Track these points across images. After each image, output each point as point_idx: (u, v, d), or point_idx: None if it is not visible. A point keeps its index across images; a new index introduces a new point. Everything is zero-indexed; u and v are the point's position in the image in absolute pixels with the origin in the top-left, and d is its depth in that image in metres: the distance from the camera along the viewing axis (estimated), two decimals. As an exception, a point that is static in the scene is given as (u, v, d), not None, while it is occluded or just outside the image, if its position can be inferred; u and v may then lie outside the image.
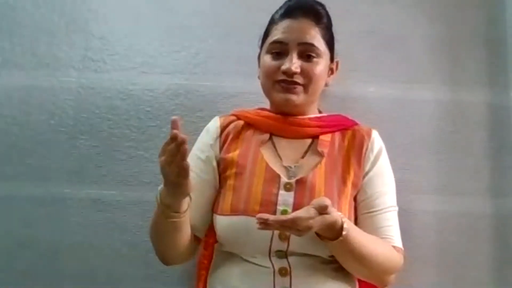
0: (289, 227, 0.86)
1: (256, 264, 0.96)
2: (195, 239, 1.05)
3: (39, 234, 1.30)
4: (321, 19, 1.06)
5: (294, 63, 1.01)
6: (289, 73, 1.01)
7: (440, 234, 1.33)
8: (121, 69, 1.36)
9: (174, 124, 0.85)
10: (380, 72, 1.39)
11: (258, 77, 1.11)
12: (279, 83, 1.03)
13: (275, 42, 1.04)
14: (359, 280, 1.05)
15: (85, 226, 1.30)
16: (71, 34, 1.37)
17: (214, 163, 1.05)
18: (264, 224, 0.84)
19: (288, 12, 1.05)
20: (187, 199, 0.94)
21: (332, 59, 1.10)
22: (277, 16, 1.07)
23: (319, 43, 1.04)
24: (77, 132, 1.33)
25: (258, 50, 1.13)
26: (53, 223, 1.30)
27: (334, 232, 0.90)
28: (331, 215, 0.89)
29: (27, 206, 1.30)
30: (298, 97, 1.03)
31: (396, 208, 1.06)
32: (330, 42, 1.08)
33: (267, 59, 1.05)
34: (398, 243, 1.03)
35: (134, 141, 1.34)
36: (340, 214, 0.91)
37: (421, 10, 1.41)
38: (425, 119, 1.37)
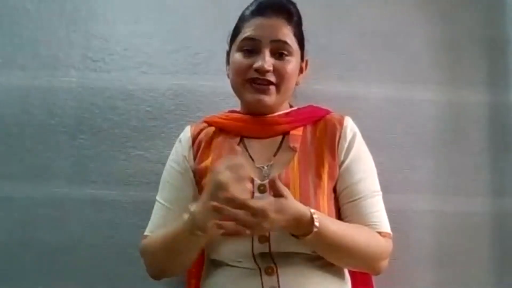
0: (243, 218, 0.83)
1: (243, 267, 0.95)
2: None
3: (39, 234, 1.30)
4: (293, 17, 1.05)
5: (267, 61, 0.99)
6: (262, 71, 0.99)
7: (439, 234, 1.33)
8: (121, 69, 1.36)
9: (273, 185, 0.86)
10: (380, 72, 1.39)
11: (228, 76, 1.09)
12: (250, 82, 1.01)
13: (247, 38, 1.01)
14: (351, 271, 1.04)
15: (85, 226, 1.30)
16: (71, 34, 1.37)
17: (191, 174, 1.05)
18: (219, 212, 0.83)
19: (259, 10, 1.03)
20: None
21: (302, 57, 1.08)
22: (247, 13, 1.05)
23: (292, 41, 1.02)
24: (77, 132, 1.33)
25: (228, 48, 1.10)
26: (53, 223, 1.30)
27: (305, 226, 0.87)
28: (293, 204, 0.87)
29: (27, 206, 1.30)
30: (270, 98, 1.01)
31: (380, 193, 1.03)
32: (301, 41, 1.07)
33: (238, 56, 1.03)
34: (385, 228, 1.00)
35: (134, 141, 1.34)
36: (308, 208, 0.89)
37: (421, 10, 1.41)
38: (425, 119, 1.37)
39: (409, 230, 1.32)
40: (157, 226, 1.04)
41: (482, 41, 1.40)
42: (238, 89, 1.05)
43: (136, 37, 1.37)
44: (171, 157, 1.10)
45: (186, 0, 1.40)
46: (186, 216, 0.90)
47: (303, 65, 1.10)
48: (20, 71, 1.35)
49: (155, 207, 1.07)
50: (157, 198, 1.07)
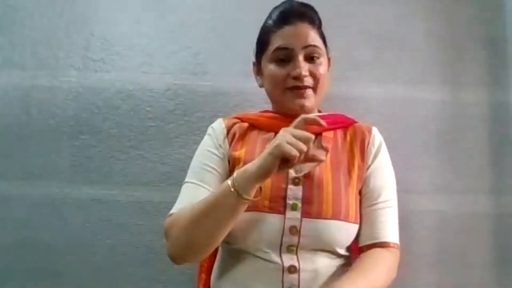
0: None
1: (266, 260, 0.97)
2: None
3: (39, 234, 1.30)
4: (315, 20, 1.08)
5: (303, 67, 1.02)
6: (300, 78, 1.02)
7: (440, 233, 1.33)
8: (121, 69, 1.36)
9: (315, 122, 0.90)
10: (380, 72, 1.39)
11: (261, 86, 1.11)
12: (290, 89, 1.04)
13: (279, 48, 1.04)
14: None
15: (85, 226, 1.30)
16: (71, 34, 1.37)
17: (227, 162, 1.06)
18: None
19: (284, 19, 1.05)
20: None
21: (327, 56, 1.12)
22: (271, 23, 1.07)
23: (319, 43, 1.06)
24: (77, 132, 1.33)
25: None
26: (53, 223, 1.30)
27: None
28: None
29: (27, 206, 1.31)
30: (310, 101, 1.05)
31: (395, 203, 1.07)
32: (324, 40, 1.10)
33: (273, 67, 1.05)
34: (394, 239, 1.03)
35: (134, 141, 1.34)
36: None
37: (421, 10, 1.41)
38: (425, 119, 1.37)
39: (409, 230, 1.32)
40: (188, 204, 1.00)
41: (482, 40, 1.40)
42: (277, 98, 1.08)
43: (136, 37, 1.37)
44: (206, 143, 1.08)
45: (186, 0, 1.40)
46: (229, 181, 0.91)
47: (329, 63, 1.13)
48: (20, 71, 1.35)
49: (185, 189, 1.04)
50: (190, 180, 1.04)
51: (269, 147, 0.89)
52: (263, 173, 0.89)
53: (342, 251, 1.00)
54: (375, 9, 1.40)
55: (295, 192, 0.99)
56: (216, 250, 1.07)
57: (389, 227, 1.03)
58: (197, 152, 1.08)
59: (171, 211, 1.01)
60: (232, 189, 0.90)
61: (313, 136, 0.89)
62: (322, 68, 1.05)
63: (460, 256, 1.33)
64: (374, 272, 0.98)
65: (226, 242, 1.02)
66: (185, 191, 1.04)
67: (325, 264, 0.98)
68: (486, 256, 1.33)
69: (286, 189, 0.99)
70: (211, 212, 0.93)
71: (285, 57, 1.04)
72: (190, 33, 1.38)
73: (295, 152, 0.86)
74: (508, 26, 1.40)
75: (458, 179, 1.36)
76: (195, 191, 1.02)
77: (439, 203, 1.34)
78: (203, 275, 1.10)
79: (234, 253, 1.01)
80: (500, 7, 1.41)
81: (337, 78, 1.36)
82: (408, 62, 1.39)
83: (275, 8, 1.08)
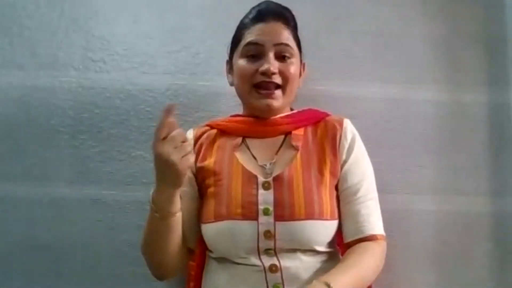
0: None
1: (247, 265, 0.97)
2: (188, 250, 1.06)
3: (39, 234, 1.30)
4: (290, 22, 1.09)
5: (272, 63, 1.02)
6: (268, 74, 1.02)
7: (439, 233, 1.33)
8: (121, 69, 1.36)
9: (170, 110, 0.87)
10: (380, 72, 1.38)
11: (231, 84, 1.12)
12: (257, 88, 1.04)
13: (250, 43, 1.04)
14: None
15: (85, 226, 1.30)
16: (71, 34, 1.37)
17: (191, 174, 1.06)
18: None
19: (259, 17, 1.06)
20: (178, 199, 0.96)
21: (301, 60, 1.12)
22: (247, 21, 1.08)
23: (292, 43, 1.06)
24: (77, 132, 1.33)
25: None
26: (53, 223, 1.30)
27: None
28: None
29: (27, 206, 1.30)
30: (277, 101, 1.05)
31: (376, 195, 1.06)
32: (299, 44, 1.10)
33: (243, 62, 1.06)
34: (379, 230, 1.03)
35: (134, 141, 1.34)
36: (323, 281, 0.89)
37: (421, 10, 1.41)
38: (425, 119, 1.37)
39: (409, 230, 1.32)
40: None
41: (482, 40, 1.40)
42: (244, 95, 1.08)
43: (136, 37, 1.37)
44: None
45: (186, 0, 1.40)
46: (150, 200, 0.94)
47: (302, 68, 1.13)
48: (20, 71, 1.35)
49: None
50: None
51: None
52: (162, 187, 0.91)
53: (322, 248, 0.99)
54: (375, 9, 1.40)
55: (266, 196, 0.98)
56: (204, 258, 1.08)
57: (372, 220, 1.02)
58: None
59: None
60: (153, 209, 0.94)
61: (181, 133, 0.88)
62: (292, 68, 1.05)
63: (459, 256, 1.33)
64: (363, 263, 0.98)
65: (209, 250, 1.04)
66: None
67: (307, 261, 0.97)
68: (486, 256, 1.33)
69: (257, 195, 0.98)
70: (150, 233, 0.99)
71: (256, 53, 1.04)
72: (190, 33, 1.38)
73: (174, 157, 0.86)
74: (508, 26, 1.40)
75: (458, 179, 1.36)
76: None
77: (439, 203, 1.34)
78: (192, 284, 1.10)
79: (217, 261, 1.02)
80: (500, 7, 1.41)
81: (337, 78, 1.37)
82: (407, 62, 1.39)
83: (253, 7, 1.10)
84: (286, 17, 1.08)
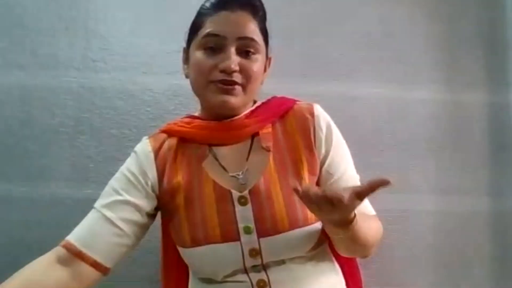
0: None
1: (234, 282, 0.91)
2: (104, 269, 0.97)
3: (39, 234, 1.29)
4: (259, 11, 0.95)
5: (233, 61, 0.90)
6: (228, 72, 0.90)
7: (439, 233, 1.33)
8: (121, 69, 1.36)
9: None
10: (380, 72, 1.39)
11: (186, 76, 0.99)
12: (215, 83, 0.92)
13: (210, 35, 0.91)
14: (339, 260, 1.01)
15: (85, 226, 1.30)
16: (71, 34, 1.37)
17: (150, 192, 0.96)
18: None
19: (223, 3, 0.92)
20: None
21: (267, 55, 0.99)
22: (208, 5, 0.95)
23: (258, 37, 0.94)
24: (77, 132, 1.33)
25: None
26: (53, 223, 1.30)
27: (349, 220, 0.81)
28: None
29: (27, 206, 1.30)
30: (236, 99, 0.92)
31: (358, 177, 0.97)
32: (266, 37, 0.97)
33: (200, 55, 0.92)
34: (372, 211, 0.98)
35: (134, 141, 1.33)
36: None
37: (420, 10, 1.41)
38: (425, 119, 1.38)
39: (409, 230, 1.32)
40: (84, 235, 0.97)
41: (482, 41, 1.41)
42: (200, 90, 0.95)
43: (136, 37, 1.37)
44: (125, 166, 0.99)
45: (186, 0, 1.40)
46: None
47: (267, 63, 1.01)
48: (20, 71, 1.35)
49: (90, 215, 0.99)
50: (97, 206, 0.98)
51: None
52: None
53: (311, 251, 0.93)
54: (375, 9, 1.40)
55: (244, 213, 0.89)
56: (187, 277, 1.01)
57: (365, 203, 0.95)
58: (116, 173, 0.99)
59: (69, 236, 0.98)
60: None
61: None
62: (256, 65, 0.93)
63: (459, 256, 1.33)
64: (370, 220, 0.93)
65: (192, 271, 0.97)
66: (88, 218, 0.98)
67: (296, 269, 0.91)
68: (486, 256, 1.33)
69: (234, 212, 0.89)
70: None
71: (215, 46, 0.91)
72: (190, 33, 1.38)
73: None
74: (508, 26, 1.40)
75: (457, 179, 1.36)
76: (97, 222, 0.95)
77: (438, 203, 1.34)
78: None
79: (202, 281, 0.96)
80: (499, 7, 1.41)
81: (337, 79, 1.37)
82: (407, 62, 1.39)
83: None
84: (254, 5, 0.94)
